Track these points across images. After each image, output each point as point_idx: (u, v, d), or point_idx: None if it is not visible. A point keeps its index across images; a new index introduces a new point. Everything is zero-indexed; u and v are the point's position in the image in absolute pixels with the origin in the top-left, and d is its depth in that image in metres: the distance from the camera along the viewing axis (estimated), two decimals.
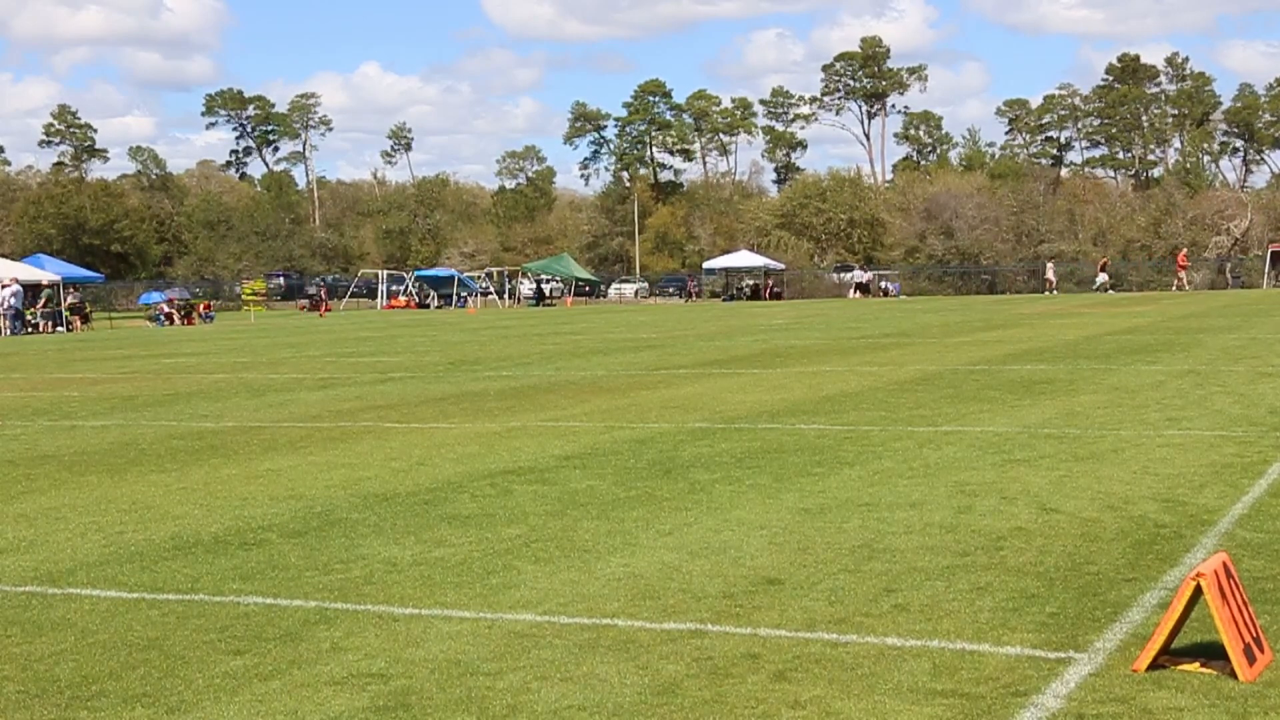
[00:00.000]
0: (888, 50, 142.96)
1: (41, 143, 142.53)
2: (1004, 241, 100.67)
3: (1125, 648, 6.92)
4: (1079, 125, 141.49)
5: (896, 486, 11.77)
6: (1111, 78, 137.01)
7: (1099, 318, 43.06)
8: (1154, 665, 6.56)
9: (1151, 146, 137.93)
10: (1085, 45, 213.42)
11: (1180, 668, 6.59)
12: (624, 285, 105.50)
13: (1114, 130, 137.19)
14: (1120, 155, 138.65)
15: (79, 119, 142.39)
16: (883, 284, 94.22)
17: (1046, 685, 6.39)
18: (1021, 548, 9.22)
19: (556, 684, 6.59)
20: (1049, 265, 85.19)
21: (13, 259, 75.28)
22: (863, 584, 8.35)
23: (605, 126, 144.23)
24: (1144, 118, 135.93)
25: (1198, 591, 6.50)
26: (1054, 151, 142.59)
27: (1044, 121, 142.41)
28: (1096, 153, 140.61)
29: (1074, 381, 20.86)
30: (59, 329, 60.43)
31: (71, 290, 67.47)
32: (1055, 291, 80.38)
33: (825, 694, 6.36)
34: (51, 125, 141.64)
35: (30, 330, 58.55)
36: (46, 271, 65.92)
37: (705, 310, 70.39)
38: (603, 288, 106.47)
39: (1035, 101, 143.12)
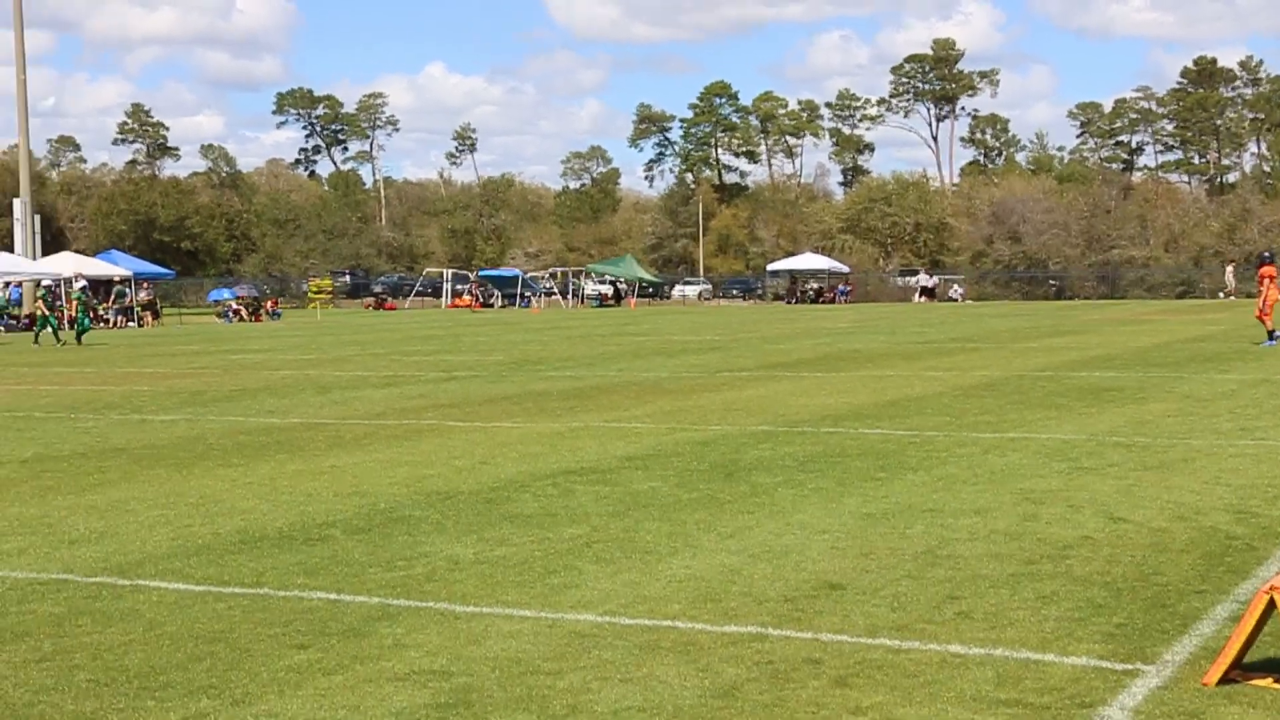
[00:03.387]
0: (961, 53, 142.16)
1: (115, 141, 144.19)
2: (1073, 247, 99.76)
3: (1195, 661, 6.84)
4: (1152, 129, 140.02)
5: (961, 493, 11.69)
6: (1186, 81, 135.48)
7: (1170, 325, 42.64)
8: (1224, 679, 6.47)
9: (1227, 151, 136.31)
10: (1155, 48, 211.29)
11: (1252, 683, 6.49)
12: (687, 287, 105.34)
13: (1189, 134, 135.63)
14: (1195, 160, 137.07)
15: (151, 117, 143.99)
16: (954, 290, 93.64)
17: (1113, 697, 6.32)
18: (1088, 557, 9.14)
19: (617, 685, 6.59)
20: (1228, 269, 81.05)
21: (87, 255, 76.17)
22: (926, 590, 8.30)
23: (670, 128, 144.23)
24: (1219, 122, 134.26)
25: (1271, 605, 6.41)
26: (1125, 156, 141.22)
27: (1116, 125, 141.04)
28: (1170, 157, 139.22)
29: (1144, 389, 20.66)
30: (130, 324, 61.12)
31: (144, 286, 68.17)
32: (1233, 297, 76.55)
33: (886, 701, 6.32)
34: (125, 123, 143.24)
35: (102, 325, 59.21)
36: (119, 267, 66.66)
37: (769, 313, 70.25)
38: (666, 289, 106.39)
39: (1106, 105, 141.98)
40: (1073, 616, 7.66)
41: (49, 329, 42.66)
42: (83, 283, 48.23)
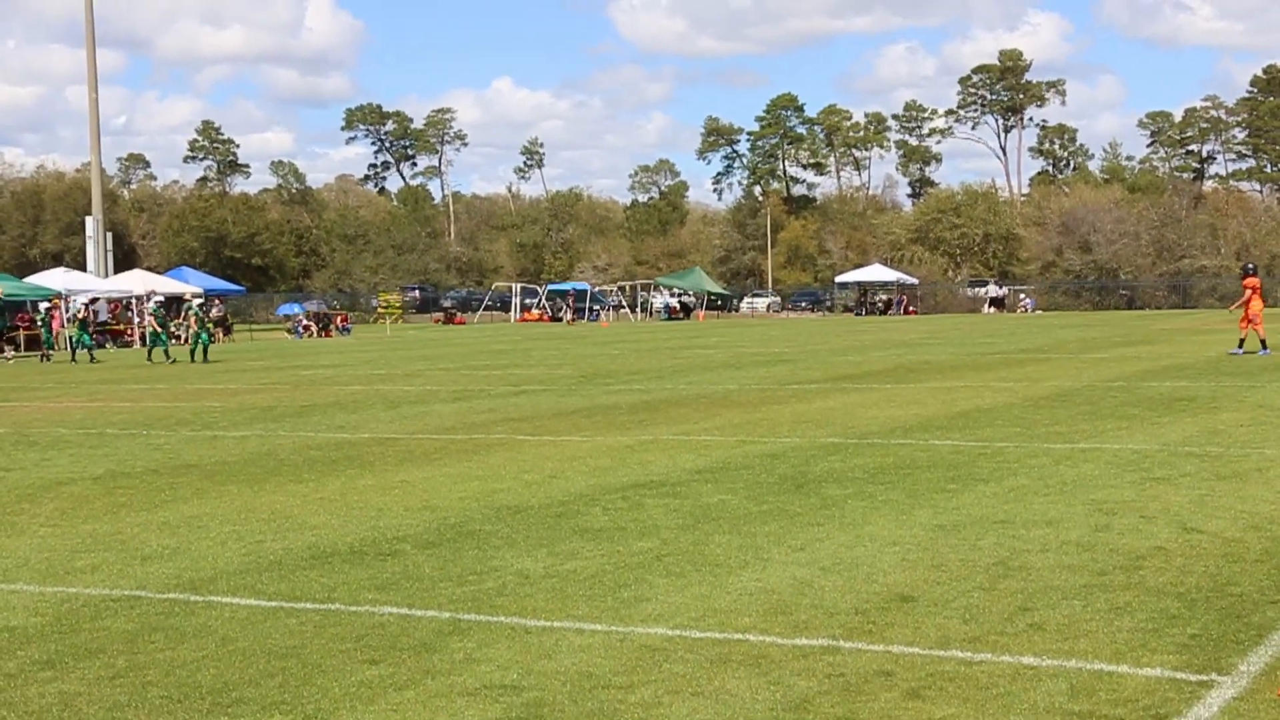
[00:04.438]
0: (1028, 63, 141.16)
1: (186, 158, 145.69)
2: (1143, 256, 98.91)
3: (1271, 671, 6.75)
4: (1222, 138, 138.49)
5: (1032, 504, 11.61)
6: (1256, 89, 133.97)
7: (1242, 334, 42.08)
8: None
9: None
10: (1225, 57, 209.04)
11: None
12: (756, 299, 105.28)
13: (1260, 143, 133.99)
14: (1267, 169, 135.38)
15: (222, 134, 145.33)
16: (1024, 301, 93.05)
17: (1188, 708, 6.25)
18: (1161, 567, 9.04)
19: (688, 698, 6.58)
20: None
21: (158, 272, 77.04)
22: (998, 602, 8.24)
23: (738, 141, 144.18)
24: None
25: None
26: (1195, 165, 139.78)
27: (1186, 135, 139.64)
28: (1242, 165, 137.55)
29: (1216, 399, 20.43)
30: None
31: (215, 303, 68.82)
32: None
33: (959, 713, 6.28)
34: (196, 141, 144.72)
35: (174, 340, 59.76)
36: (189, 284, 67.41)
37: (837, 325, 70.03)
38: (734, 302, 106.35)
39: (1175, 114, 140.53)
40: (1146, 628, 7.59)
41: (160, 346, 42.86)
42: (199, 300, 48.58)
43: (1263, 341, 31.61)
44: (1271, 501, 11.45)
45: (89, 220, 70.26)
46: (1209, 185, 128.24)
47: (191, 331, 44.26)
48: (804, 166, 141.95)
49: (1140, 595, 8.32)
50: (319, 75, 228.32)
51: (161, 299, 49.60)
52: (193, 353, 42.58)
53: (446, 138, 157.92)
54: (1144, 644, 7.28)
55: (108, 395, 28.18)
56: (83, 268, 70.05)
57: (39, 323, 49.33)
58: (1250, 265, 34.72)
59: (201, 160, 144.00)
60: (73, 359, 44.78)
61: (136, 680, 7.11)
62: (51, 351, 48.22)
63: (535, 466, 14.83)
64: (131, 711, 6.60)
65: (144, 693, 6.89)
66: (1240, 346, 31.69)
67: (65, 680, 7.14)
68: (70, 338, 47.40)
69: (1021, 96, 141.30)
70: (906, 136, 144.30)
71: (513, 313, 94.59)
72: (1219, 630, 7.52)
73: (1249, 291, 31.51)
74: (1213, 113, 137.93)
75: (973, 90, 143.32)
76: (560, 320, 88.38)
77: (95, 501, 13.23)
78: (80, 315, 47.84)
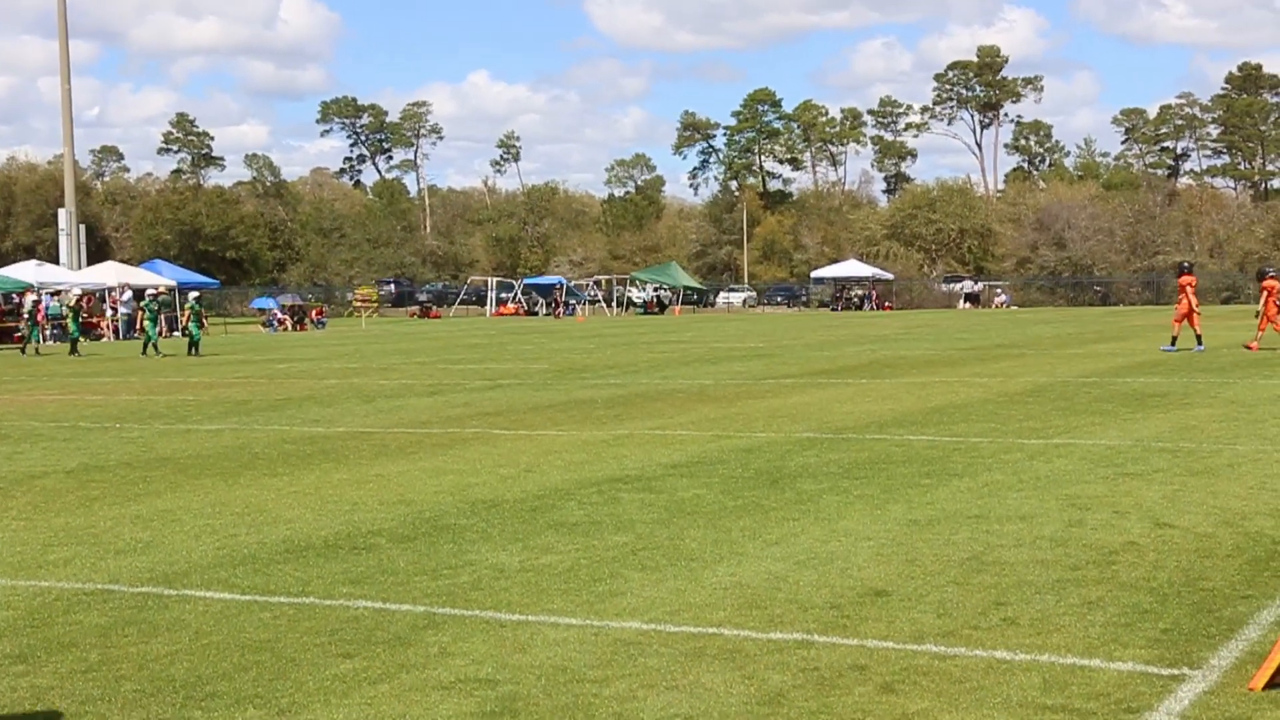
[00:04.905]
0: (1005, 59, 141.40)
1: (160, 150, 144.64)
2: (1118, 253, 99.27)
3: (1241, 665, 6.79)
4: (1196, 135, 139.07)
5: (1006, 499, 11.65)
6: (1231, 86, 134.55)
7: (1215, 330, 42.32)
8: (1271, 684, 6.42)
9: (1272, 156, 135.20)
10: (1199, 55, 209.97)
11: None
12: (732, 294, 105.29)
13: (1235, 139, 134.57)
14: (1241, 166, 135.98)
15: (196, 127, 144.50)
16: (1000, 296, 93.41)
17: (1159, 702, 6.28)
18: (1134, 562, 9.09)
19: (662, 692, 6.59)
20: None
21: (131, 265, 76.70)
22: (971, 596, 8.27)
23: (714, 136, 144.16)
24: (1263, 128, 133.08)
25: None
26: (1170, 161, 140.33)
27: (1161, 131, 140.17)
28: (1216, 162, 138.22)
29: (1188, 395, 20.53)
30: (175, 334, 61.43)
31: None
32: None
33: (933, 707, 6.30)
34: (170, 133, 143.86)
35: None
36: (163, 277, 67.12)
37: (813, 320, 70.13)
38: (710, 296, 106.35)
39: (1149, 110, 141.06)
40: (1119, 622, 7.63)
41: (150, 340, 42.48)
42: (195, 293, 48.18)
43: (1174, 339, 32.01)
44: (1243, 497, 11.52)
45: (62, 213, 69.96)
46: (1183, 182, 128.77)
47: (183, 325, 43.96)
48: (780, 162, 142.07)
49: (1113, 590, 8.36)
50: (295, 68, 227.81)
51: (154, 293, 49.17)
52: (193, 345, 42.18)
53: (422, 131, 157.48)
54: (1116, 638, 7.31)
55: (81, 388, 28.08)
56: (55, 260, 69.73)
57: (25, 315, 49.03)
58: (1186, 263, 35.47)
59: (176, 153, 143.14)
60: (73, 351, 44.19)
61: (109, 674, 7.09)
62: (39, 344, 47.96)
63: (510, 460, 14.83)
64: (104, 705, 6.58)
65: (117, 687, 6.87)
66: (1199, 343, 31.69)
67: (37, 674, 7.12)
68: (69, 330, 46.91)
69: (998, 93, 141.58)
70: (882, 132, 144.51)
71: (488, 307, 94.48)
72: (1191, 624, 7.56)
73: (1189, 289, 31.82)
74: (1187, 110, 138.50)
75: (949, 86, 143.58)
76: (535, 314, 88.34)
77: (68, 495, 13.18)
78: (73, 305, 47.62)
